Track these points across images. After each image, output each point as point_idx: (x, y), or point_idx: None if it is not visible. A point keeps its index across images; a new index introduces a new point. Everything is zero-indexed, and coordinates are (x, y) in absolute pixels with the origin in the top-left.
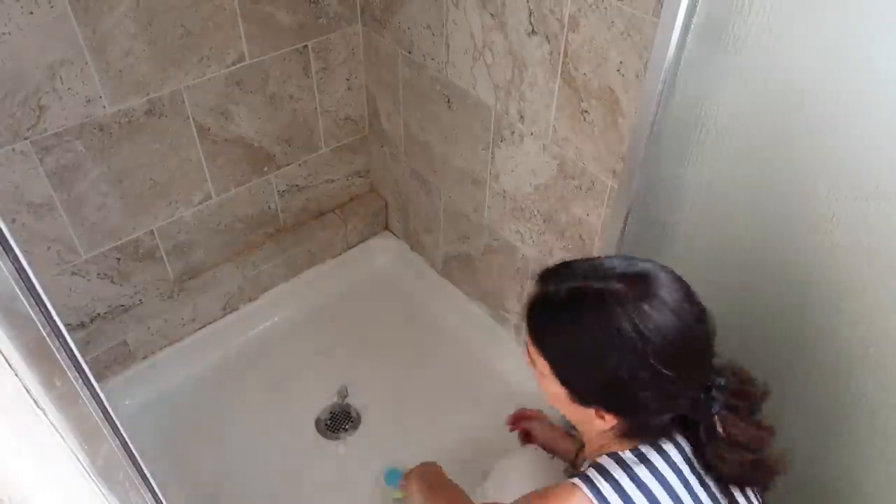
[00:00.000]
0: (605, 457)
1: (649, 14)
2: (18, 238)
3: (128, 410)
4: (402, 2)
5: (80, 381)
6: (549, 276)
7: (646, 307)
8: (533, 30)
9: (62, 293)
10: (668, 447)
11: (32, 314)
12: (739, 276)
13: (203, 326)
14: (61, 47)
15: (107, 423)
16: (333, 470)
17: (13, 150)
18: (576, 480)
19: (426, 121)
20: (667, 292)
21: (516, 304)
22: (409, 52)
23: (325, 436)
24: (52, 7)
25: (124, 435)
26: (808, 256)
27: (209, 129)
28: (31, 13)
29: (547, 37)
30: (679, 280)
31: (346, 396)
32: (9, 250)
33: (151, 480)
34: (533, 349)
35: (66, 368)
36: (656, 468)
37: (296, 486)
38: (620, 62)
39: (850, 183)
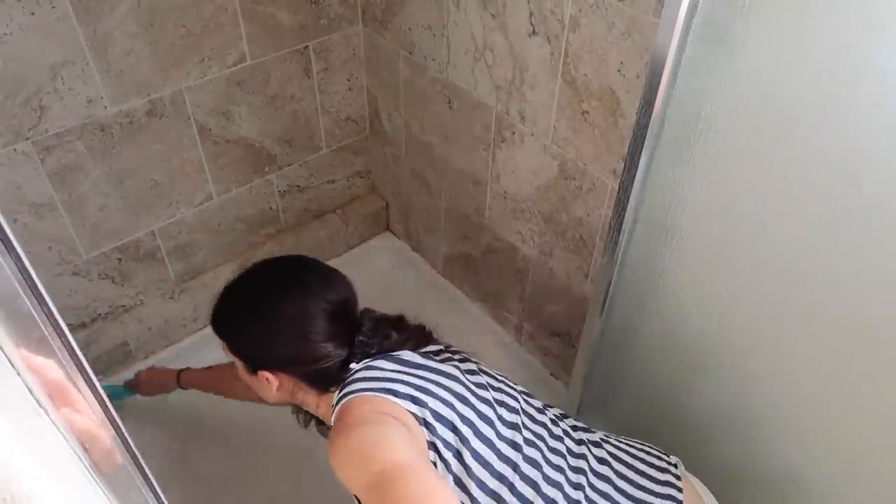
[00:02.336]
0: (343, 392)
1: (650, 14)
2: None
3: (128, 411)
4: (402, 2)
5: (82, 380)
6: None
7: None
8: (534, 30)
9: (63, 293)
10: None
11: (34, 314)
12: (739, 276)
13: (204, 327)
14: (62, 48)
15: (108, 423)
16: (333, 470)
17: (14, 150)
18: (348, 398)
19: (427, 121)
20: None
21: (517, 304)
22: (410, 53)
23: (325, 436)
24: (53, 8)
25: (125, 435)
26: (809, 253)
27: (210, 130)
28: (33, 14)
29: (548, 37)
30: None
31: None
32: (10, 250)
33: (152, 480)
34: (232, 352)
35: (67, 368)
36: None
37: (296, 486)
38: (621, 63)
39: (850, 182)
